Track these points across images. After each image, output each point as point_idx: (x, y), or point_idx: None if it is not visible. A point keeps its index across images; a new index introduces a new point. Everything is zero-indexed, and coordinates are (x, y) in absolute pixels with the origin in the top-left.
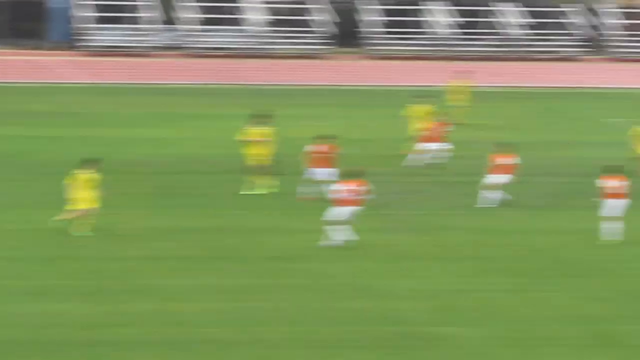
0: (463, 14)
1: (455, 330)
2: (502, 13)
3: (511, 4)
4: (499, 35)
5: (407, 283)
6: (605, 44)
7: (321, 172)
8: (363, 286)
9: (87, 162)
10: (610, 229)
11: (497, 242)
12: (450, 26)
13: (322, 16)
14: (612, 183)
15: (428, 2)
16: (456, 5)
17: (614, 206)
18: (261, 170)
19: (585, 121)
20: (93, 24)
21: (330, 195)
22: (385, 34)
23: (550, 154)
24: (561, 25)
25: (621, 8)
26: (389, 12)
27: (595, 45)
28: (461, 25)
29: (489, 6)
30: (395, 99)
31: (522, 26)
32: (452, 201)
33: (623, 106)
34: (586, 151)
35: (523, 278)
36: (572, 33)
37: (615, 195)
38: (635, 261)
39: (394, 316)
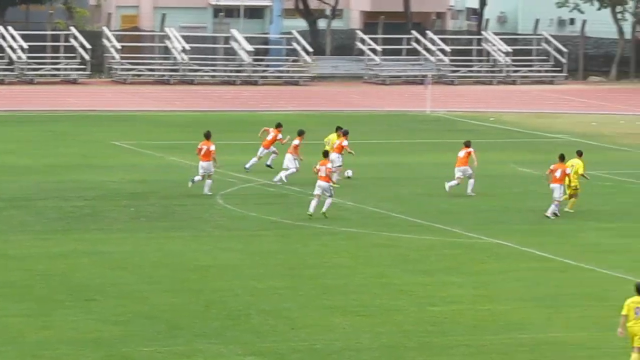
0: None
1: None
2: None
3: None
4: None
5: None
6: (106, 66)
7: None
8: None
9: None
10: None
11: (7, 267)
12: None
13: None
14: None
15: None
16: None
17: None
18: None
19: (95, 144)
20: None
21: None
22: None
23: (61, 178)
24: (62, 49)
25: (121, 31)
26: None
27: (96, 67)
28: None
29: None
30: None
31: (23, 49)
32: None
33: (131, 128)
34: (98, 174)
35: (35, 303)
36: (75, 56)
37: None
38: (147, 283)
39: None
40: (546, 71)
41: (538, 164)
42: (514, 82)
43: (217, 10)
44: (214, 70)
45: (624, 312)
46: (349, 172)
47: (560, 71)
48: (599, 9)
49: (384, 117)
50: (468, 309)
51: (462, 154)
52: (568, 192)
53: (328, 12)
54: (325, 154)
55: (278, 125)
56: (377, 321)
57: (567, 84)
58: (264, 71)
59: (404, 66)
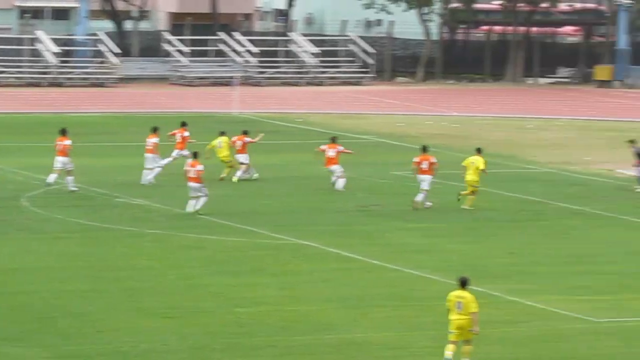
0: None
1: None
2: None
3: None
4: None
5: None
6: None
7: None
8: None
9: None
10: None
11: None
12: None
13: None
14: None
15: None
16: None
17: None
18: None
19: None
20: None
21: None
22: None
23: None
24: None
25: None
26: None
27: None
28: None
29: None
30: None
31: None
32: None
33: None
34: None
35: None
36: None
37: None
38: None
39: None
40: (353, 72)
41: (344, 164)
42: (321, 83)
43: (23, 12)
44: (19, 72)
45: (447, 306)
46: (256, 174)
47: (368, 72)
48: (405, 10)
49: (191, 119)
50: (275, 310)
51: (332, 152)
52: (468, 189)
53: (135, 13)
54: (195, 155)
55: (183, 124)
56: (183, 323)
57: (374, 85)
58: (70, 73)
59: (211, 67)
